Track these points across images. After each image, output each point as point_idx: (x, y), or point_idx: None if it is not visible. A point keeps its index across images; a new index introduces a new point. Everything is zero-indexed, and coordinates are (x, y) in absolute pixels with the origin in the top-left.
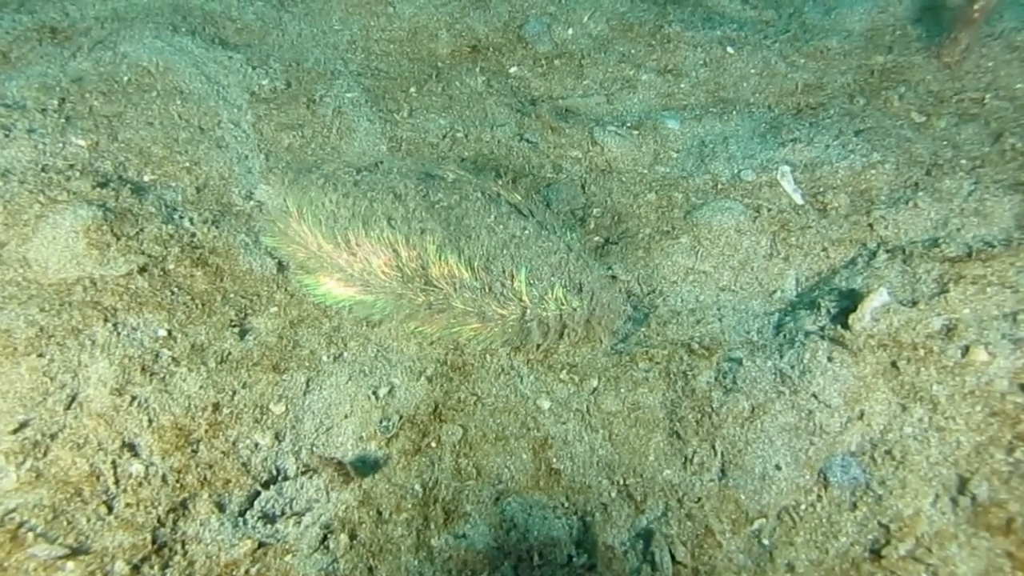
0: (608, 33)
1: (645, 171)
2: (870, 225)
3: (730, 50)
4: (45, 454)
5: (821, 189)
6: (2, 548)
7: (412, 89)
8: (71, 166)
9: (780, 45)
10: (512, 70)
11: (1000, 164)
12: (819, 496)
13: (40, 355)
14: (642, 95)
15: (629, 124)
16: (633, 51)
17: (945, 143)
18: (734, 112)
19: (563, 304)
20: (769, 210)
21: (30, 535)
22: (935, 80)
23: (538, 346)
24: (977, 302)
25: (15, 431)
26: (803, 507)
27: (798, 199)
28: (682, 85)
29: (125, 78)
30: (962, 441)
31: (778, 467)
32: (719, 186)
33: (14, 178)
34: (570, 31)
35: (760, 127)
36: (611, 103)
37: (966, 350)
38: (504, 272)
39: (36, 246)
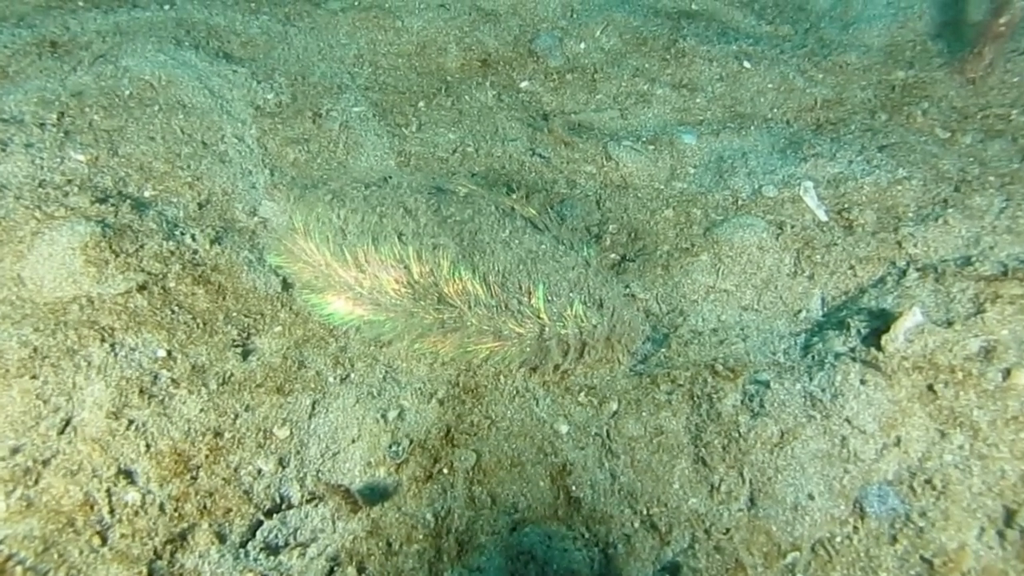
0: (621, 47)
1: (662, 187)
2: (898, 243)
3: (746, 64)
4: (36, 482)
5: (846, 205)
6: None
7: (421, 103)
8: (69, 181)
9: (797, 60)
10: (523, 84)
11: None
12: (856, 528)
13: (33, 377)
14: (657, 110)
15: (644, 139)
16: (647, 65)
17: (972, 159)
18: (752, 127)
19: (582, 321)
20: (792, 227)
21: (19, 568)
22: (958, 96)
23: (557, 366)
24: (1016, 323)
25: (6, 457)
26: (839, 540)
27: (822, 215)
28: (698, 100)
29: (126, 92)
30: (1007, 470)
31: (811, 496)
32: (739, 202)
33: (10, 194)
34: (582, 45)
35: (780, 142)
36: (625, 118)
37: (1007, 373)
38: (521, 288)
39: (31, 264)
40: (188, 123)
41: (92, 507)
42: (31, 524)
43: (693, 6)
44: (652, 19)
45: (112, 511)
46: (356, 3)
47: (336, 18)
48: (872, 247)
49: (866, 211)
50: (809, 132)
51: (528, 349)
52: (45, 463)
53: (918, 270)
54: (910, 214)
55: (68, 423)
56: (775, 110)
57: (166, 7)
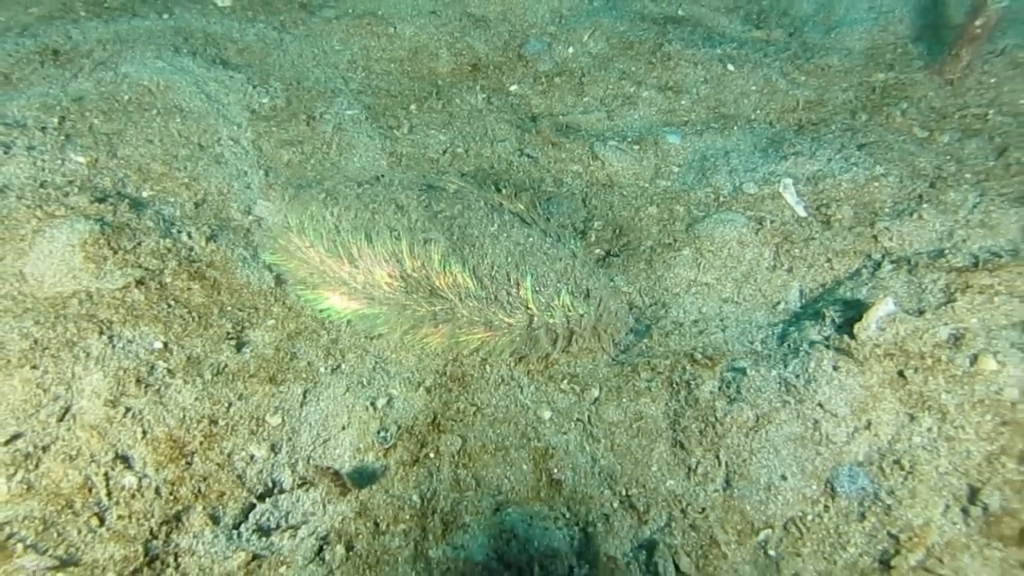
0: (608, 51)
1: (646, 185)
2: (874, 236)
3: (730, 68)
4: (37, 466)
5: (824, 201)
6: None
7: (412, 106)
8: (70, 182)
9: (781, 63)
10: (512, 88)
11: (1005, 178)
12: (826, 507)
13: (34, 367)
14: (643, 111)
15: (630, 139)
16: (634, 69)
17: (949, 157)
18: (735, 128)
19: (570, 310)
20: (772, 222)
21: (20, 546)
22: (937, 96)
23: (547, 355)
24: (985, 311)
25: (7, 443)
26: (810, 518)
27: (801, 211)
28: (683, 102)
29: (126, 97)
30: (972, 451)
31: (784, 477)
32: (721, 199)
33: (12, 194)
34: (570, 50)
35: (762, 142)
36: (612, 119)
37: (975, 359)
38: (509, 280)
39: (32, 260)
40: (185, 126)
41: (90, 490)
42: (31, 505)
43: (679, 12)
44: (639, 24)
45: (110, 494)
46: (350, 10)
47: (330, 25)
48: (849, 241)
49: (844, 207)
50: (791, 132)
51: (518, 338)
52: (45, 449)
53: (892, 262)
54: (886, 209)
55: (67, 411)
56: (758, 111)
57: (165, 16)
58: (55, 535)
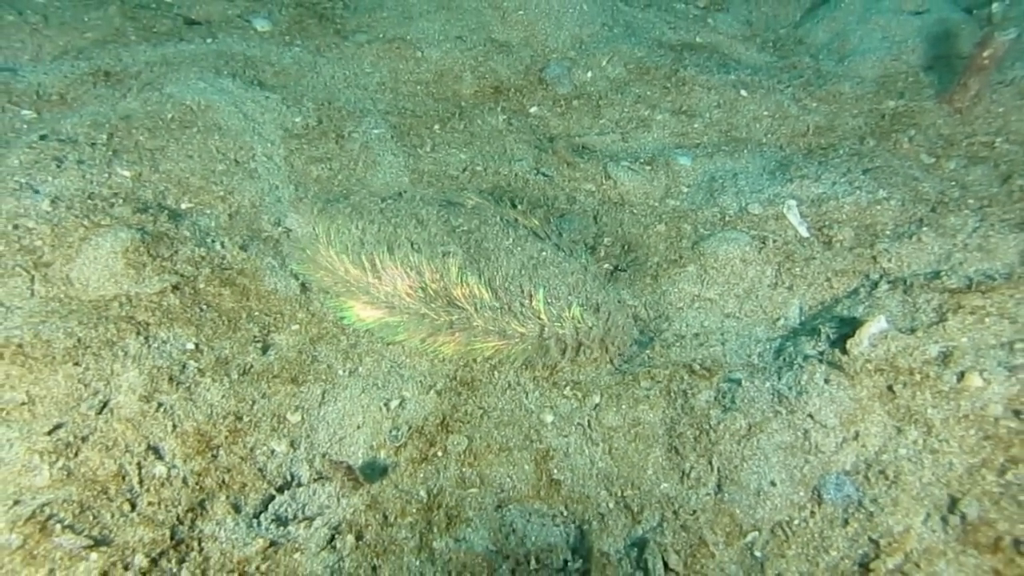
0: (625, 76)
1: (656, 204)
2: (873, 257)
3: (744, 93)
4: (76, 454)
5: (827, 223)
6: (31, 538)
7: (436, 126)
8: (115, 194)
9: (793, 89)
10: (532, 110)
11: (1008, 204)
12: (812, 512)
13: (76, 364)
14: (656, 134)
15: (642, 160)
16: (649, 93)
17: (953, 183)
18: (745, 151)
19: (579, 322)
20: (775, 241)
21: (58, 527)
22: (946, 124)
23: (555, 364)
24: (975, 331)
25: (50, 432)
26: (796, 522)
27: (803, 232)
28: (695, 125)
29: (169, 115)
30: (955, 463)
31: (773, 483)
32: (727, 218)
33: (63, 204)
34: (589, 74)
35: (770, 165)
36: (626, 141)
37: (961, 376)
38: (523, 292)
39: (79, 266)
40: (223, 143)
41: (124, 478)
42: (70, 490)
43: (697, 39)
44: (656, 50)
45: (141, 482)
46: (381, 35)
47: (362, 49)
48: (848, 261)
49: (845, 228)
50: (799, 156)
51: (530, 347)
52: (84, 439)
53: (889, 283)
54: (887, 232)
55: (105, 405)
56: (769, 135)
57: (208, 40)
58: (90, 518)
